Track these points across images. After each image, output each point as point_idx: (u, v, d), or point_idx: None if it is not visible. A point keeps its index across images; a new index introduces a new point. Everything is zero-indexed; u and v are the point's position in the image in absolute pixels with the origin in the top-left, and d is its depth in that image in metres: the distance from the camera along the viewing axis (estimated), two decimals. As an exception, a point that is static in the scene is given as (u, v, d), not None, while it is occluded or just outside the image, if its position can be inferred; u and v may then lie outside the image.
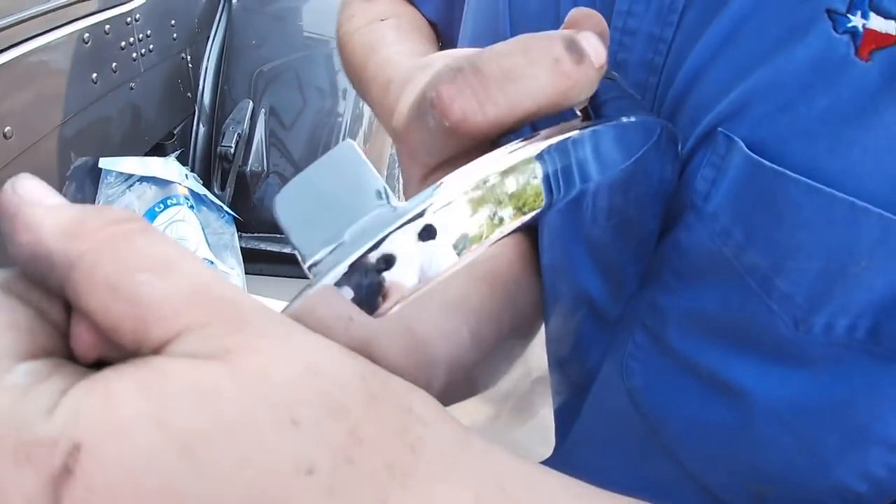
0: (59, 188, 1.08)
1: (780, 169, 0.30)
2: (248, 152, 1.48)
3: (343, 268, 0.20)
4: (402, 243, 0.20)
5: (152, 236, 0.18)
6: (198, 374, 0.16)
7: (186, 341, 0.17)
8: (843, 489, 0.34)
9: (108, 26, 1.16)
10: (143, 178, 1.25)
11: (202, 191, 1.38)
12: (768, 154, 0.31)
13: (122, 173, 1.16)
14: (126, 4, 1.23)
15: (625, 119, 0.25)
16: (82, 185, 1.14)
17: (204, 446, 0.16)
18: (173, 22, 1.40)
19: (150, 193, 1.27)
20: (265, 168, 1.50)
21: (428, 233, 0.20)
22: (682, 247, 0.34)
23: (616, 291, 0.36)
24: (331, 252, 0.21)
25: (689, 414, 0.39)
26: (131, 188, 1.23)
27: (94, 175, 1.15)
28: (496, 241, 0.21)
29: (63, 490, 0.15)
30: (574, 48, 0.25)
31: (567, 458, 0.49)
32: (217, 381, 0.16)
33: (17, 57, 0.93)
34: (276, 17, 1.62)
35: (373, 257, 0.20)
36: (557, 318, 0.31)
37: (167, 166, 1.31)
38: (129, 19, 1.23)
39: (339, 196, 0.22)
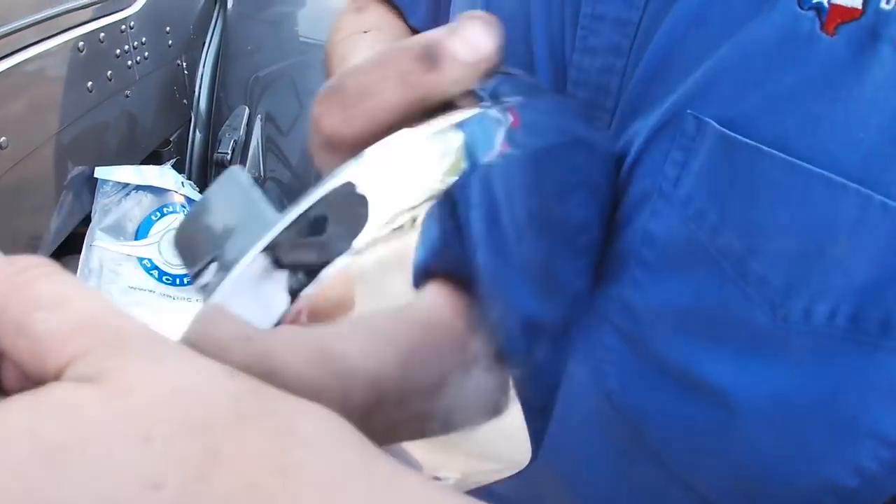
0: (57, 198, 1.08)
1: (756, 144, 0.29)
2: (245, 159, 1.48)
3: (229, 285, 0.20)
4: (290, 246, 0.20)
5: (54, 278, 0.21)
6: (70, 394, 0.19)
7: (73, 368, 0.19)
8: (835, 485, 0.33)
9: (102, 34, 1.15)
10: (139, 187, 1.25)
11: (199, 198, 1.37)
12: (738, 133, 0.30)
13: (118, 182, 1.16)
14: (121, 12, 1.22)
15: (536, 100, 0.26)
16: (79, 194, 1.13)
17: (63, 458, 0.18)
18: (168, 29, 1.40)
19: (147, 202, 1.26)
20: (262, 174, 1.50)
21: (316, 229, 0.20)
22: (653, 236, 0.34)
23: (557, 305, 0.35)
24: (217, 271, 0.21)
25: (670, 414, 0.38)
26: (128, 196, 1.23)
27: (91, 184, 1.15)
28: (395, 229, 0.21)
29: None
30: (427, 56, 0.26)
31: (548, 468, 0.48)
32: (83, 399, 0.18)
33: (11, 67, 0.93)
34: (272, 23, 1.62)
35: (258, 266, 0.20)
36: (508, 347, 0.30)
37: (163, 175, 1.31)
38: (123, 27, 1.22)
39: (227, 221, 0.22)
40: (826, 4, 0.29)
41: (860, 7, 0.28)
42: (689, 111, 0.31)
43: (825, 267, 0.29)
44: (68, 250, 1.13)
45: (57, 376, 0.19)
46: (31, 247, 1.01)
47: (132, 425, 0.18)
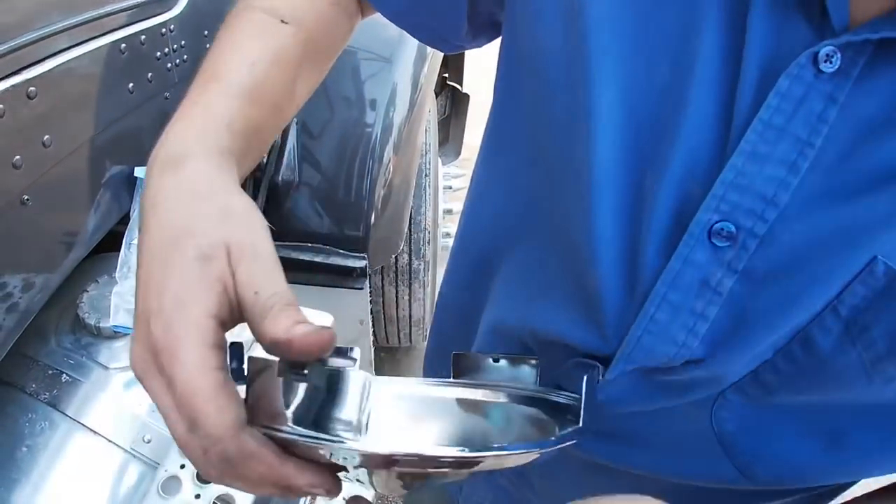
0: (94, 197, 1.09)
1: None
2: (280, 163, 1.48)
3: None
4: None
5: None
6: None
7: None
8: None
9: (143, 37, 1.17)
10: (175, 187, 1.25)
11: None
12: None
13: (156, 182, 1.17)
14: (161, 15, 1.24)
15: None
16: (118, 193, 1.14)
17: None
18: (206, 32, 1.42)
19: (183, 202, 1.27)
20: (297, 178, 1.51)
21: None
22: (812, 343, 0.38)
23: None
24: None
25: (783, 454, 0.43)
26: (164, 197, 1.23)
27: (129, 183, 1.16)
28: None
29: None
30: None
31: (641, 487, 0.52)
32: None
33: (56, 66, 0.94)
34: (306, 29, 1.63)
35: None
36: None
37: (199, 175, 1.31)
38: (163, 30, 1.24)
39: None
40: None
41: None
42: (880, 257, 0.35)
43: None
44: (105, 248, 1.14)
45: None
46: (68, 244, 1.03)
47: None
